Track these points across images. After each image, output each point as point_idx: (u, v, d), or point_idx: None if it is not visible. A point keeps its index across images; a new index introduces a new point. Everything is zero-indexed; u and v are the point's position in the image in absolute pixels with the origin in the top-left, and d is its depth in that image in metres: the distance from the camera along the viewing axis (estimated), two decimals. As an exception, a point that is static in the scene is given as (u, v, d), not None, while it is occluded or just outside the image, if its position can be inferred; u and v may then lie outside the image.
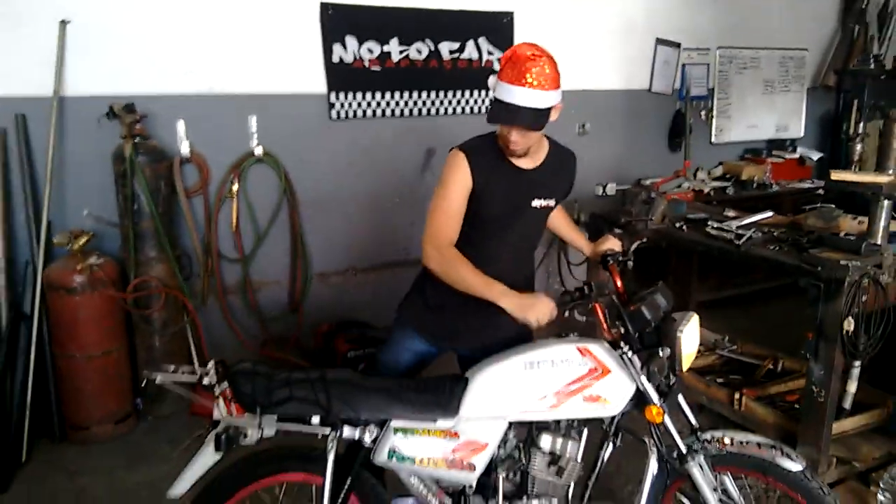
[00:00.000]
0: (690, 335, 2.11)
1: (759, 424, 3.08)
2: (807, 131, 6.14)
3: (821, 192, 5.08)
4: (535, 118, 2.03)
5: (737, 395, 3.19)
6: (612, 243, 2.41)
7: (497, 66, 4.55)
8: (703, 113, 5.52)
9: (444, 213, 2.17)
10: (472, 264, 2.12)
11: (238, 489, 2.06)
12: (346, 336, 3.92)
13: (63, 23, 3.39)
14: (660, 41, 5.15)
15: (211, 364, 2.00)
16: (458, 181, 2.15)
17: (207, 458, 1.96)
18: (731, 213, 3.54)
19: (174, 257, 3.64)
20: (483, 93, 4.60)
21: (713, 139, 5.64)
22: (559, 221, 2.58)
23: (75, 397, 3.46)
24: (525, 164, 2.21)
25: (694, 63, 5.37)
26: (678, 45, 5.19)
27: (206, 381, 1.97)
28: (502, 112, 2.04)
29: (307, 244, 4.21)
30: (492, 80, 2.15)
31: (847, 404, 2.97)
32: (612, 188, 4.31)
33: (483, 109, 4.61)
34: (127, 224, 3.49)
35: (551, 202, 2.31)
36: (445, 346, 2.41)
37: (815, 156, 5.71)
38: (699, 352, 3.69)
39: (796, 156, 5.54)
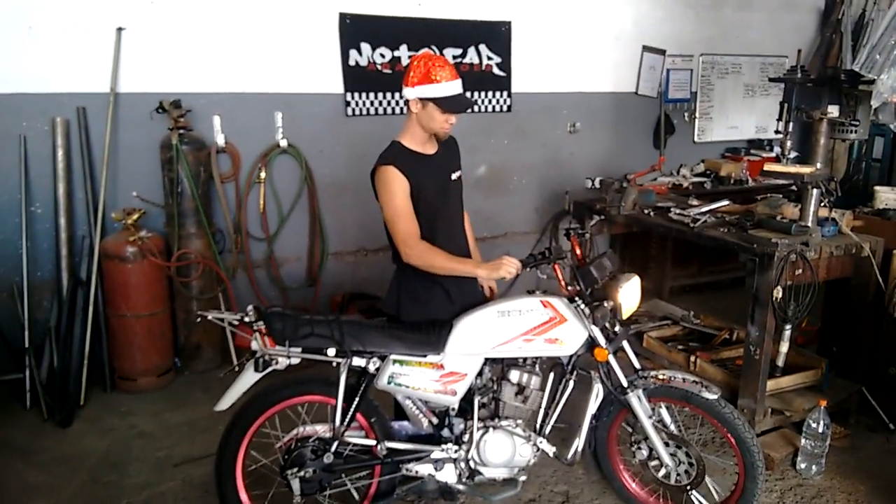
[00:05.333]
0: (630, 292, 2.61)
1: (709, 381, 3.55)
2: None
3: (794, 187, 5.49)
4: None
5: (692, 358, 3.64)
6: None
7: (496, 71, 5.07)
8: (686, 114, 5.94)
9: (401, 217, 2.51)
10: (441, 250, 2.54)
11: (270, 406, 2.58)
12: (357, 306, 4.41)
13: (119, 30, 3.90)
14: (646, 48, 5.53)
15: (250, 307, 2.54)
16: (399, 187, 2.49)
17: (248, 377, 2.49)
18: (694, 202, 4.00)
19: (210, 234, 4.15)
20: (482, 94, 5.06)
21: (696, 139, 6.05)
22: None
23: (125, 351, 3.96)
24: (430, 151, 2.64)
25: (678, 68, 5.77)
26: (663, 52, 5.59)
27: (246, 319, 2.50)
28: (460, 102, 2.52)
29: (324, 226, 4.67)
30: (421, 88, 2.45)
31: (780, 362, 3.42)
32: (599, 181, 4.74)
33: (482, 108, 5.08)
34: (172, 203, 4.01)
35: (459, 173, 2.76)
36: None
37: (792, 154, 6.12)
38: (667, 324, 4.22)
39: (773, 154, 5.94)
